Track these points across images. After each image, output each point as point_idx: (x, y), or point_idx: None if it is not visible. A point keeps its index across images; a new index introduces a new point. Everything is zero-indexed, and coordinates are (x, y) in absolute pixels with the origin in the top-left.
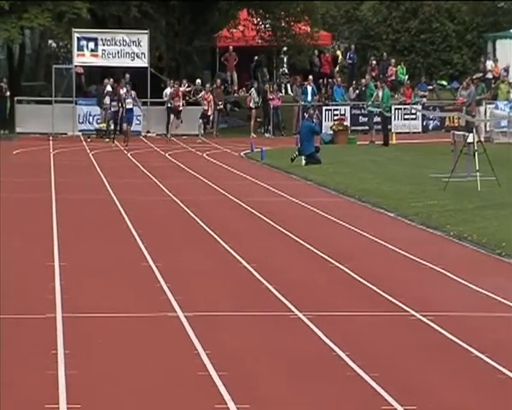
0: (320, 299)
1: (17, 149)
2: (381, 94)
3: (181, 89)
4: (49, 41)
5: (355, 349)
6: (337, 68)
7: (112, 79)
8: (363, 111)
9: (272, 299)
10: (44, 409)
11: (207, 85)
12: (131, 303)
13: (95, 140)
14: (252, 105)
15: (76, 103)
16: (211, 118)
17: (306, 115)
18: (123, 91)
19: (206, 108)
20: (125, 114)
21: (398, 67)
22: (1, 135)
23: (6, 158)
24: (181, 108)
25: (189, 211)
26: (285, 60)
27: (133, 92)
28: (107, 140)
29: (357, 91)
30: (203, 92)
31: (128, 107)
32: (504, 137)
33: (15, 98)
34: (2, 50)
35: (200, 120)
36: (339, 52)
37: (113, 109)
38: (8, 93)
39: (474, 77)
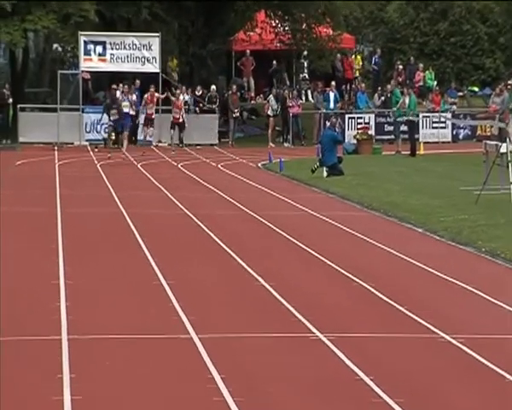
0: (342, 319)
1: (20, 160)
2: (407, 101)
3: (156, 95)
4: (55, 45)
5: (380, 373)
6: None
7: (121, 85)
8: (388, 119)
9: (291, 319)
10: None
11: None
12: (141, 324)
13: (103, 150)
14: (270, 113)
15: (83, 111)
16: (186, 126)
17: (328, 124)
18: (119, 93)
19: (177, 116)
20: (119, 119)
21: (427, 72)
22: (3, 145)
23: (8, 169)
24: (154, 116)
25: (202, 226)
26: (305, 65)
27: (134, 96)
28: (109, 155)
29: (383, 98)
30: (174, 98)
31: (124, 110)
32: None
33: (18, 106)
34: (5, 55)
35: (172, 130)
36: (358, 57)
37: (112, 118)
38: (10, 100)
39: (509, 82)
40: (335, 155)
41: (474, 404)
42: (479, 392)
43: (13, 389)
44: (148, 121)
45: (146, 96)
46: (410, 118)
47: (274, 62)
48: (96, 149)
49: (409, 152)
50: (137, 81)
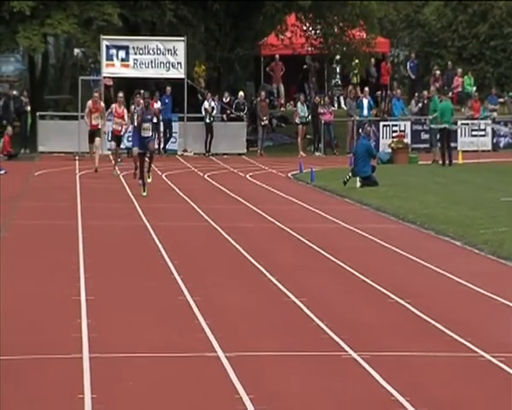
0: (377, 337)
1: (39, 170)
2: (437, 108)
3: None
4: (75, 50)
5: (416, 394)
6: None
7: (143, 92)
8: (425, 127)
9: (323, 337)
10: None
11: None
12: (166, 342)
13: (125, 160)
14: (297, 121)
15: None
16: (125, 137)
17: (362, 133)
18: (157, 105)
19: (119, 128)
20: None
21: (465, 77)
22: (21, 154)
23: (27, 180)
24: (100, 126)
25: (230, 239)
26: (338, 70)
27: (159, 103)
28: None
29: (420, 105)
30: (113, 105)
31: (145, 135)
32: None
33: (37, 113)
34: (23, 60)
35: (113, 143)
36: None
37: (144, 134)
38: (28, 108)
39: None
40: (369, 166)
41: None
42: None
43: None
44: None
45: (89, 102)
46: (447, 126)
47: (304, 67)
48: (119, 159)
49: (446, 161)
50: (168, 88)
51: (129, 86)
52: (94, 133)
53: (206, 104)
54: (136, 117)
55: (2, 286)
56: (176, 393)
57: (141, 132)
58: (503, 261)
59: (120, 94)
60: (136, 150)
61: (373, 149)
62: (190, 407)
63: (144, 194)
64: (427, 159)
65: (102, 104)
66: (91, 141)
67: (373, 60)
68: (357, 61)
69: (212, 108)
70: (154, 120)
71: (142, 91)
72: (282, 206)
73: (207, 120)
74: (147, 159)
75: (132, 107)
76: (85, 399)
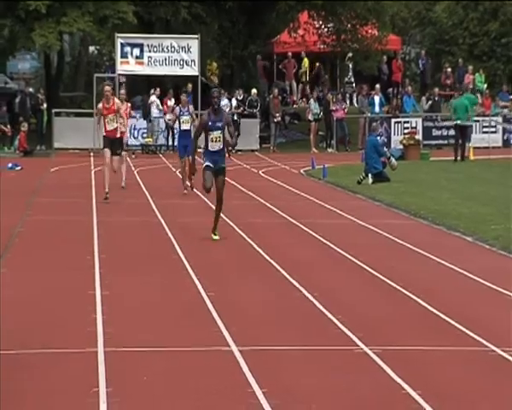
0: (388, 332)
1: (55, 167)
2: (450, 104)
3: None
4: (91, 47)
5: (427, 388)
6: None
7: (158, 89)
8: (436, 124)
9: (335, 332)
10: None
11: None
12: (180, 336)
13: (140, 156)
14: (310, 117)
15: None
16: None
17: (370, 129)
18: (171, 102)
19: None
20: (179, 140)
21: (476, 74)
22: (37, 151)
23: (43, 176)
24: (118, 135)
25: (243, 235)
26: (350, 67)
27: (173, 101)
28: (185, 192)
29: (430, 102)
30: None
31: (184, 128)
32: None
33: (53, 110)
34: (39, 58)
35: (107, 150)
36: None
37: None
38: (44, 105)
39: None
40: (379, 162)
41: None
42: None
43: (48, 403)
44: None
45: (99, 105)
46: (458, 122)
47: (317, 64)
48: (134, 156)
49: (453, 158)
50: (189, 85)
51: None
52: (111, 143)
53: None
54: (179, 119)
55: (18, 281)
56: (189, 386)
57: (208, 145)
58: None
59: (122, 91)
60: (205, 167)
61: (379, 145)
62: (203, 401)
63: (215, 237)
64: (438, 155)
65: (117, 100)
66: (106, 146)
67: (385, 57)
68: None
69: (238, 105)
70: (219, 124)
71: (188, 88)
72: (294, 202)
73: (235, 118)
74: (217, 178)
75: (177, 108)
76: (100, 392)
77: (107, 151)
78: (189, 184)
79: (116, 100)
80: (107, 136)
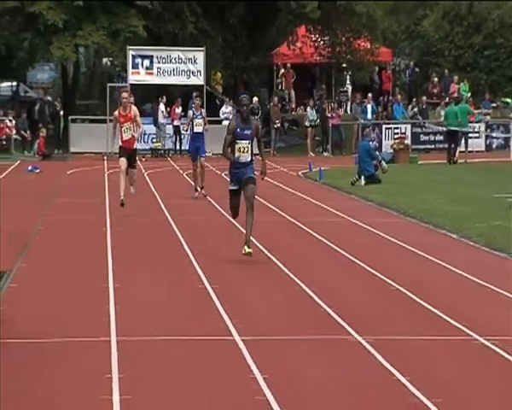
0: (380, 323)
1: (71, 169)
2: (443, 112)
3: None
4: (104, 59)
5: (416, 374)
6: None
7: (165, 98)
8: (424, 129)
9: (331, 323)
10: None
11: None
12: (187, 326)
13: (150, 160)
14: (307, 124)
15: None
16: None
17: (362, 135)
18: (178, 110)
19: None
20: (191, 142)
21: (461, 84)
22: (55, 155)
23: (60, 178)
24: (135, 146)
25: (245, 231)
26: (348, 78)
27: (180, 108)
28: (196, 195)
29: (415, 110)
30: (116, 113)
31: (196, 130)
32: None
33: (69, 117)
34: (56, 69)
35: (123, 160)
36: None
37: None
38: (61, 112)
39: None
40: (372, 165)
41: (508, 403)
42: (506, 387)
43: (64, 388)
44: None
45: (116, 113)
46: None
47: (316, 80)
48: (144, 159)
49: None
50: (195, 93)
51: (156, 92)
52: (127, 156)
53: (223, 108)
54: (192, 122)
55: (37, 275)
56: (195, 373)
57: (235, 155)
58: (496, 253)
59: (125, 94)
60: (231, 191)
61: (371, 149)
62: (208, 386)
63: (248, 250)
64: (426, 159)
65: (134, 108)
66: (122, 156)
67: (376, 68)
68: None
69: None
70: (248, 132)
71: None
72: (292, 202)
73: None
74: (246, 187)
75: (190, 112)
76: (113, 378)
77: (124, 160)
78: (199, 189)
79: (133, 107)
80: (124, 146)
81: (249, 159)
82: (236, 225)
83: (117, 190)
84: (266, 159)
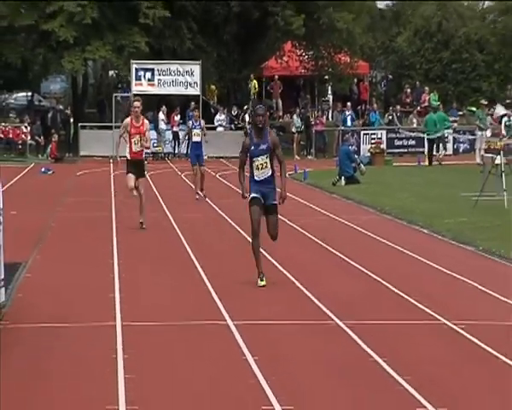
0: (359, 309)
1: (81, 171)
2: (415, 120)
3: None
4: (110, 72)
5: (392, 355)
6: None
7: (164, 107)
8: (398, 135)
9: (314, 309)
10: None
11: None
12: (185, 312)
13: (151, 162)
14: (294, 130)
15: None
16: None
17: (343, 140)
18: (177, 118)
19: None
20: (192, 150)
21: (431, 94)
22: (66, 158)
23: (71, 179)
24: (143, 156)
25: (237, 227)
26: (329, 89)
27: (179, 116)
28: (197, 197)
29: (390, 117)
30: (127, 120)
31: (195, 140)
32: None
33: (79, 124)
34: (67, 80)
35: (131, 176)
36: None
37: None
38: (71, 119)
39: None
40: (351, 167)
41: (471, 381)
42: (476, 371)
43: (74, 366)
44: None
45: (127, 120)
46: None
47: (301, 90)
48: (146, 162)
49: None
50: (192, 103)
51: (157, 101)
52: (136, 167)
53: (218, 116)
54: (191, 132)
55: (49, 266)
56: (192, 353)
57: (254, 175)
58: (462, 246)
59: (137, 103)
60: (252, 199)
61: (351, 153)
62: (203, 365)
63: (262, 283)
64: (400, 161)
65: (146, 122)
66: (132, 173)
67: (355, 79)
68: None
69: (232, 119)
70: (264, 147)
71: (192, 106)
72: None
73: (246, 130)
74: (268, 217)
75: (190, 123)
76: (118, 358)
77: (132, 177)
78: (200, 193)
79: (145, 121)
80: (133, 158)
81: (270, 173)
82: (227, 219)
83: (122, 189)
84: (285, 180)
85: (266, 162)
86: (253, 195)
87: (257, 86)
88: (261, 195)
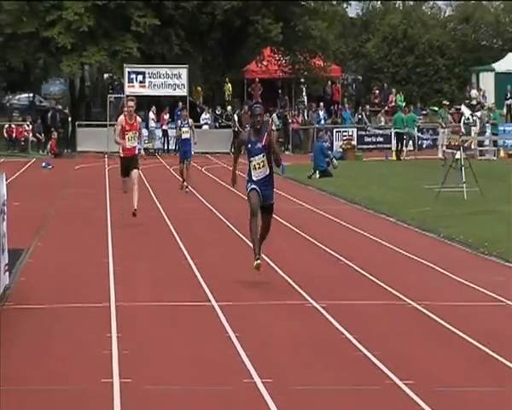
0: (331, 290)
1: (78, 165)
2: (383, 118)
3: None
4: (105, 75)
5: (361, 332)
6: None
7: (154, 107)
8: (367, 132)
9: (290, 290)
10: (100, 383)
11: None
12: (173, 294)
13: (142, 157)
14: (273, 128)
15: None
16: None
17: (317, 137)
18: (166, 116)
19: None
20: (181, 147)
21: (398, 95)
22: (64, 153)
23: (69, 173)
24: (137, 152)
25: (222, 218)
26: (304, 90)
27: (190, 120)
28: (181, 189)
29: (360, 116)
30: (121, 117)
31: (184, 137)
32: (487, 154)
33: (76, 122)
34: (66, 83)
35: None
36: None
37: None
38: (69, 118)
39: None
40: (325, 162)
41: (433, 355)
42: (437, 345)
43: (72, 343)
44: None
45: (121, 118)
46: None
47: (279, 91)
48: (139, 155)
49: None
50: (180, 103)
51: (147, 102)
52: (129, 162)
53: (203, 115)
54: (180, 131)
55: (50, 252)
56: (179, 331)
57: (252, 174)
58: (425, 233)
59: (131, 102)
60: (251, 189)
61: (325, 149)
62: (190, 342)
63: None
64: (369, 156)
65: (139, 119)
66: (126, 174)
67: (329, 82)
68: None
69: (239, 118)
70: (260, 145)
71: (179, 106)
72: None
73: (235, 129)
74: (264, 217)
75: (178, 122)
76: (112, 337)
77: (126, 181)
78: (185, 184)
79: (138, 118)
80: (126, 156)
81: (268, 172)
82: (211, 207)
83: (115, 182)
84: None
85: (263, 161)
86: (252, 186)
87: (231, 89)
88: (260, 190)
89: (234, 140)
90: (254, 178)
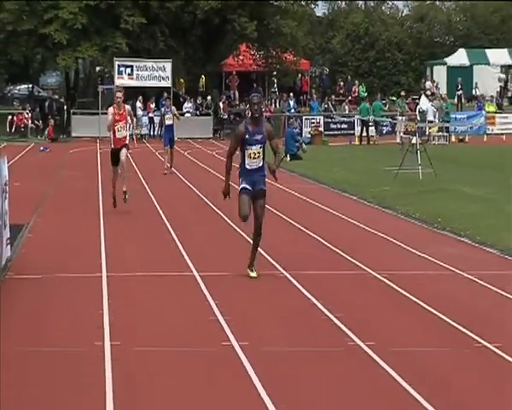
0: (300, 262)
1: (73, 149)
2: (347, 107)
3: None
4: (97, 67)
5: (327, 299)
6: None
7: (141, 97)
8: (332, 120)
9: (264, 261)
10: (93, 346)
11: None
12: (159, 265)
13: (130, 143)
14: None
15: None
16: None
17: (288, 124)
18: (152, 105)
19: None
20: (165, 133)
21: (360, 86)
22: (60, 138)
23: (65, 156)
24: (127, 142)
25: (204, 197)
26: (276, 82)
27: (173, 108)
28: (165, 172)
29: (326, 105)
30: (110, 109)
31: (168, 123)
32: (440, 139)
33: (71, 111)
34: (62, 75)
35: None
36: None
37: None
38: (65, 107)
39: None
40: (295, 146)
41: (393, 318)
42: (396, 310)
43: (68, 309)
44: None
45: (110, 109)
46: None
47: (254, 83)
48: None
49: (346, 143)
50: (165, 93)
51: (134, 92)
52: (118, 152)
53: (186, 104)
54: (164, 116)
55: (47, 227)
56: (165, 298)
57: (245, 162)
58: (385, 210)
59: (119, 94)
60: (242, 189)
61: (295, 135)
62: (174, 308)
63: (252, 274)
64: (334, 142)
65: (128, 107)
66: (115, 163)
67: (299, 75)
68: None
69: (197, 106)
70: (259, 137)
71: (164, 96)
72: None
73: (221, 116)
74: (256, 201)
75: (162, 109)
76: (104, 304)
77: (116, 169)
78: (168, 165)
79: (127, 106)
80: (115, 147)
81: (261, 164)
82: (194, 189)
83: (107, 164)
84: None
85: (260, 153)
86: (243, 185)
87: (204, 82)
88: (251, 182)
89: (218, 127)
90: (248, 167)
